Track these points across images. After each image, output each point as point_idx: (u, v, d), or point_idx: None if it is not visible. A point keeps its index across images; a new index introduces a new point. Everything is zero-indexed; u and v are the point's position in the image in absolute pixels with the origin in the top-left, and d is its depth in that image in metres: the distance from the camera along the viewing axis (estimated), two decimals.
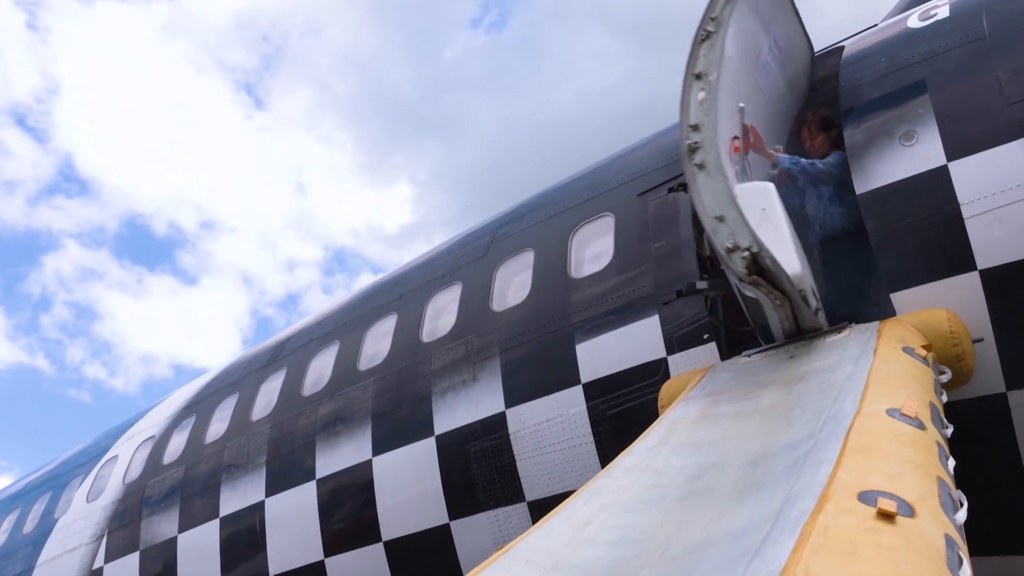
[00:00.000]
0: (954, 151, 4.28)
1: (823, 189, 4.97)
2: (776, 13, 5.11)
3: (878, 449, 2.33)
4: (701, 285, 4.92)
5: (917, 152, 4.39)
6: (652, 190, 5.70)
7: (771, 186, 4.14)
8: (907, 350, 3.45)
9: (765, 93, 5.01)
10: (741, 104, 4.56)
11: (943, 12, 4.88)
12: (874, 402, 2.66)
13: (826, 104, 5.26)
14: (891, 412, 2.56)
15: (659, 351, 5.00)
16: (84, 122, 62.70)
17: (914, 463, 2.25)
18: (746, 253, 3.85)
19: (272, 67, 70.87)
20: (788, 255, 3.86)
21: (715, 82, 4.17)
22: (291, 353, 8.12)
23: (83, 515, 9.55)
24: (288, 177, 71.64)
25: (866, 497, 2.00)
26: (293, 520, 6.97)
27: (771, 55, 5.08)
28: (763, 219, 3.91)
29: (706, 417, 3.46)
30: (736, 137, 4.41)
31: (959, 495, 2.28)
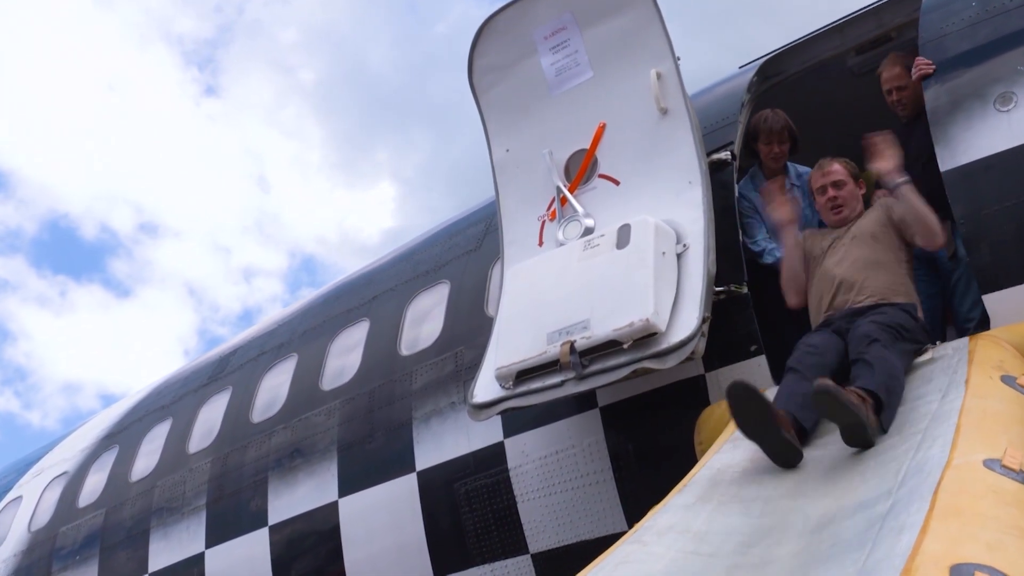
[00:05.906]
0: None
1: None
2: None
3: (974, 511, 2.35)
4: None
5: (1015, 119, 4.40)
6: None
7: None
8: (1007, 380, 3.45)
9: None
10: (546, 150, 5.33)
11: None
12: (968, 451, 2.67)
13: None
14: (989, 464, 2.57)
15: (696, 367, 4.99)
16: None
17: (1019, 529, 2.27)
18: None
19: (226, 45, 70.20)
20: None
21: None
22: (237, 369, 8.13)
23: None
24: (247, 172, 71.07)
25: (960, 572, 2.02)
26: None
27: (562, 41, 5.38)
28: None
29: (757, 466, 3.46)
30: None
31: None
